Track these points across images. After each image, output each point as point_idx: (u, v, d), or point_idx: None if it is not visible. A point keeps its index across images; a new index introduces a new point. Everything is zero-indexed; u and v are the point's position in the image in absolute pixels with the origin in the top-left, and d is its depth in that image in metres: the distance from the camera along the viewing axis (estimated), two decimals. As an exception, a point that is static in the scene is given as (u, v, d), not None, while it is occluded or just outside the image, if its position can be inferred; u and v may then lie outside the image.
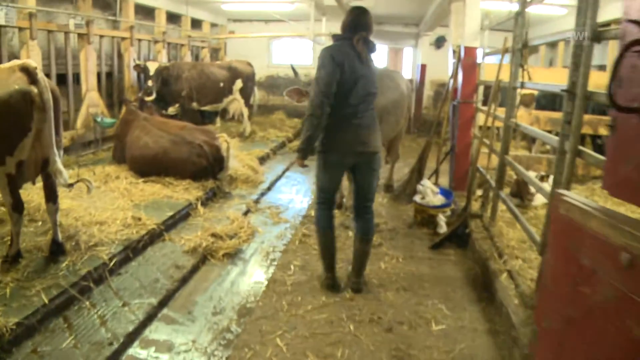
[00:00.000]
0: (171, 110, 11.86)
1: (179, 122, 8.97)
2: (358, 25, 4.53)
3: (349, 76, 4.41)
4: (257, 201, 7.86)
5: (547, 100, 9.64)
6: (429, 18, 13.60)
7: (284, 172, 9.86)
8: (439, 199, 6.88)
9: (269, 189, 8.65)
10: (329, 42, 11.81)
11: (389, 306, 4.68)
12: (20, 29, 8.52)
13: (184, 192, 7.41)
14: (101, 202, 6.79)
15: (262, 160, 10.38)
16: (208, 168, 7.88)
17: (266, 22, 17.72)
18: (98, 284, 4.78)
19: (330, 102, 4.40)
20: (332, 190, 4.88)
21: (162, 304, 4.66)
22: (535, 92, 10.05)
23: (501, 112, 6.26)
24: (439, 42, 17.53)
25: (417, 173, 7.87)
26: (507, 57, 5.93)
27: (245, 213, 7.24)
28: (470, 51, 7.50)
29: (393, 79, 7.43)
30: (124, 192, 7.27)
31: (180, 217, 6.72)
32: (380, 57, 18.79)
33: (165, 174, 7.93)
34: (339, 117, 4.51)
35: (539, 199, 6.99)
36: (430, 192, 6.89)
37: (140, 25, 12.62)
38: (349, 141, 4.56)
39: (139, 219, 6.20)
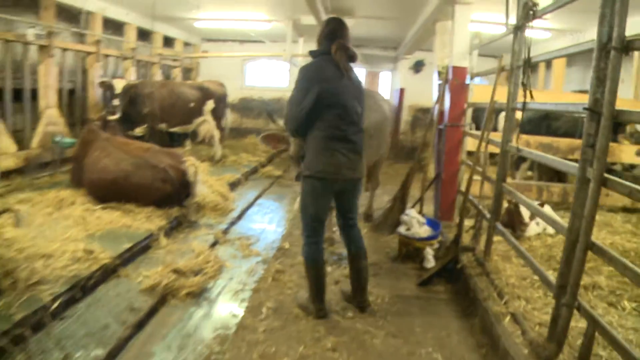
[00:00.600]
0: (138, 131, 11.11)
1: (143, 143, 8.27)
2: (335, 34, 4.31)
3: (331, 95, 4.18)
4: (226, 231, 7.18)
5: (532, 125, 9.15)
6: (409, 40, 13.18)
7: (256, 199, 9.18)
8: (425, 230, 6.30)
9: (239, 217, 7.97)
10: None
11: (377, 357, 4.04)
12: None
13: (145, 220, 6.72)
14: (51, 232, 6.05)
15: (233, 186, 9.70)
16: (173, 194, 7.20)
17: (241, 42, 17.21)
18: (36, 332, 4.04)
19: (304, 126, 4.27)
20: (322, 218, 4.59)
21: (112, 355, 3.94)
22: (519, 117, 9.64)
23: (495, 136, 5.74)
24: (418, 66, 17.18)
25: (400, 201, 7.29)
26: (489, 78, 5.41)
27: (213, 245, 6.56)
28: (459, 71, 6.99)
29: (375, 99, 6.90)
30: (78, 220, 6.54)
31: (140, 249, 6.02)
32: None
33: (126, 200, 7.23)
34: (328, 140, 4.26)
35: (533, 229, 6.46)
36: (416, 223, 6.31)
37: (108, 40, 11.99)
38: (338, 166, 4.30)
39: (91, 252, 5.47)
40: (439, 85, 7.78)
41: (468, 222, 6.32)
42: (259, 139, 5.33)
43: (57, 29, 9.57)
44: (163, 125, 11.49)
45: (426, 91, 17.02)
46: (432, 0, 8.38)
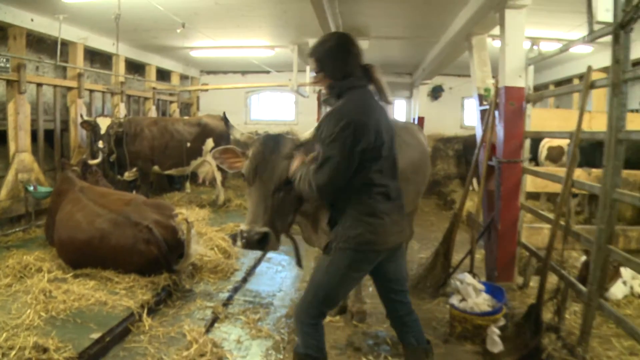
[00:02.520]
0: (127, 175, 9.82)
1: (125, 194, 6.89)
2: (362, 56, 3.28)
3: (379, 143, 3.15)
4: (228, 301, 5.70)
5: (584, 156, 7.72)
6: (429, 64, 11.83)
7: (265, 254, 7.63)
8: (485, 300, 4.82)
9: (244, 280, 6.47)
10: (313, 95, 9.43)
11: None
12: None
13: (125, 294, 5.31)
14: (3, 312, 4.82)
15: (237, 237, 8.19)
16: (160, 258, 5.77)
17: (243, 73, 16.01)
18: None
19: (336, 189, 3.16)
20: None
21: None
22: (565, 146, 8.31)
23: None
24: (436, 93, 15.92)
25: (444, 258, 5.85)
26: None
27: (212, 323, 5.10)
28: (514, 93, 5.58)
29: (412, 134, 5.55)
30: (40, 296, 5.15)
31: (115, 337, 4.58)
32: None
33: (103, 265, 5.85)
34: (369, 199, 3.18)
35: (619, 290, 5.05)
36: (472, 291, 4.85)
37: (96, 73, 10.73)
38: (385, 233, 3.20)
39: (45, 351, 4.06)
40: (482, 111, 6.41)
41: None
42: (212, 154, 4.09)
43: (26, 60, 8.26)
44: (156, 168, 10.16)
45: (446, 119, 15.87)
46: (465, 11, 7.03)
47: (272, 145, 3.63)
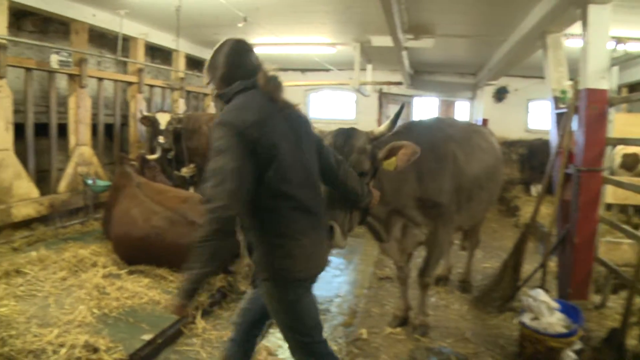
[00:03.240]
0: (185, 171, 9.70)
1: (181, 192, 6.77)
2: (256, 58, 2.87)
3: (273, 150, 2.66)
4: (284, 306, 5.50)
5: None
6: (496, 64, 11.32)
7: (323, 256, 7.44)
8: (560, 320, 4.43)
9: (301, 282, 6.26)
10: (374, 94, 9.03)
11: None
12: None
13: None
14: (57, 307, 4.79)
15: (294, 238, 8.02)
16: (216, 259, 5.61)
17: (303, 71, 15.76)
18: None
19: (241, 205, 2.61)
20: (317, 323, 3.03)
21: None
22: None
23: None
24: (500, 94, 15.30)
25: (513, 270, 5.47)
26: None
27: (267, 329, 4.85)
28: (596, 96, 5.14)
29: (485, 138, 5.25)
30: (94, 292, 5.13)
31: (166, 340, 4.47)
32: (429, 111, 16.68)
33: (157, 262, 5.76)
34: (279, 216, 2.74)
35: None
36: (545, 310, 4.45)
37: (157, 69, 10.72)
38: (307, 255, 2.78)
39: (95, 351, 3.97)
40: (558, 115, 5.99)
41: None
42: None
43: (88, 54, 8.30)
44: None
45: (510, 122, 15.24)
46: (540, 6, 6.59)
47: (343, 138, 3.52)
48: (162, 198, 6.23)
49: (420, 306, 4.84)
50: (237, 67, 2.82)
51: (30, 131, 7.41)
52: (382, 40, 9.60)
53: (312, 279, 2.93)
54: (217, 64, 2.84)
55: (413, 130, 4.69)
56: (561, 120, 5.71)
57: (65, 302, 4.90)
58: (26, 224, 7.26)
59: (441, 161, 4.50)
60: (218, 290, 5.43)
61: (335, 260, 7.27)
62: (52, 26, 8.84)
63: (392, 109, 15.62)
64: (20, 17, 8.30)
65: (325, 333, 4.74)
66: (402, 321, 4.93)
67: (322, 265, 2.95)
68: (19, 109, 7.43)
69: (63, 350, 3.92)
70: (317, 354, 3.00)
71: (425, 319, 4.81)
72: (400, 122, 3.97)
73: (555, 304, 4.52)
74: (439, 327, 4.94)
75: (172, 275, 5.59)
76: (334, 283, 6.39)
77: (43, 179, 7.84)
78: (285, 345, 4.52)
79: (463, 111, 17.01)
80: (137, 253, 5.86)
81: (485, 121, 14.47)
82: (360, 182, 3.28)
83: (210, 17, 8.70)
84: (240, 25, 7.90)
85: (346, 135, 3.56)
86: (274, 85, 2.80)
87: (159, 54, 11.69)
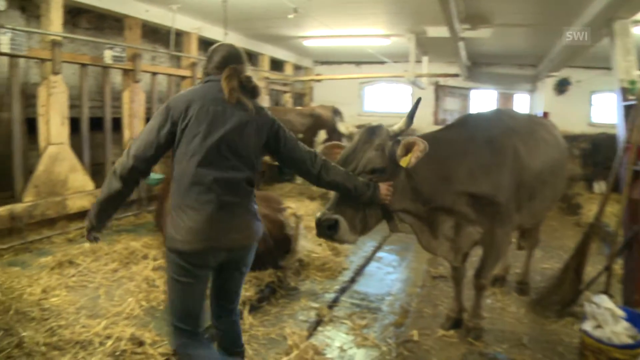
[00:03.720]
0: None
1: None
2: (229, 59, 3.10)
3: (194, 124, 2.92)
4: (334, 303, 5.37)
5: None
6: (557, 54, 10.87)
7: (374, 252, 7.27)
8: (625, 330, 4.13)
9: (352, 280, 6.11)
10: (430, 87, 9.00)
11: None
12: (43, 60, 6.68)
13: (228, 289, 5.11)
14: (106, 298, 4.87)
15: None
16: (265, 254, 5.52)
17: (357, 64, 15.60)
18: None
19: (142, 168, 2.97)
20: (191, 314, 3.07)
21: None
22: None
23: None
24: (562, 86, 14.67)
25: (575, 273, 5.17)
26: None
27: (315, 327, 4.79)
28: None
29: (549, 131, 4.98)
30: (143, 284, 5.18)
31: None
32: (487, 104, 16.22)
33: (208, 257, 5.69)
34: (186, 192, 2.94)
35: None
36: (610, 317, 4.17)
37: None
38: (205, 230, 2.90)
39: (140, 344, 3.97)
40: (626, 107, 5.63)
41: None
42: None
43: (141, 50, 8.39)
44: (267, 158, 10.00)
45: (572, 115, 14.60)
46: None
47: (367, 135, 3.71)
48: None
49: (474, 308, 4.59)
50: (209, 62, 3.15)
51: (85, 125, 7.52)
52: (438, 31, 9.34)
53: (199, 256, 2.95)
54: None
55: (468, 124, 4.49)
56: (629, 113, 5.35)
57: (114, 294, 4.94)
58: (81, 215, 7.35)
59: (499, 155, 4.25)
60: (267, 285, 5.35)
61: (387, 257, 7.11)
62: (107, 23, 8.97)
63: (449, 102, 15.32)
64: (75, 15, 8.45)
65: (375, 333, 4.65)
66: (456, 323, 4.71)
67: (212, 243, 2.94)
68: (75, 103, 7.57)
69: (109, 342, 3.94)
70: (184, 343, 3.08)
71: (479, 322, 4.57)
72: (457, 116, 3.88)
73: (620, 312, 4.22)
74: (494, 331, 4.69)
75: (223, 270, 5.54)
76: (387, 280, 6.20)
77: (98, 172, 7.96)
78: (333, 344, 4.45)
79: (522, 104, 16.48)
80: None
81: (545, 114, 13.93)
82: (351, 177, 3.37)
83: (261, 9, 8.65)
84: (290, 17, 7.79)
85: (370, 132, 3.70)
86: (229, 81, 2.97)
87: (209, 46, 11.71)
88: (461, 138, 4.25)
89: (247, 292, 5.04)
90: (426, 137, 4.03)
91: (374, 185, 3.44)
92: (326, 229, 3.53)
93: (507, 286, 5.83)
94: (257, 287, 5.23)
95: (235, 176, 2.98)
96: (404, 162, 3.60)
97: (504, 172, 4.22)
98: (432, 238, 4.24)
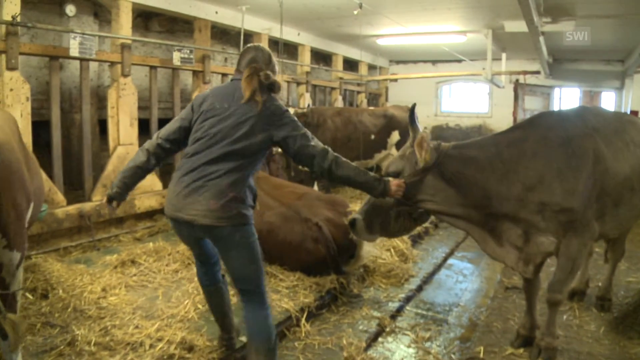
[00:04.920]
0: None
1: (299, 187, 6.59)
2: (254, 60, 3.49)
3: (202, 118, 3.44)
4: (397, 313, 5.11)
5: None
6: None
7: (445, 259, 6.93)
8: None
9: (419, 288, 5.80)
10: (509, 85, 8.75)
11: None
12: (113, 63, 6.79)
13: (287, 293, 5.02)
14: (164, 299, 4.83)
15: (417, 238, 7.57)
16: (328, 259, 5.35)
17: (433, 62, 15.24)
18: None
19: (166, 146, 3.56)
20: (195, 254, 3.84)
21: None
22: None
23: None
24: (654, 83, 13.75)
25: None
26: None
27: (375, 337, 4.56)
28: None
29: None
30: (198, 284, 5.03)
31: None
32: (570, 103, 15.38)
33: (269, 259, 5.57)
34: (178, 170, 3.46)
35: None
36: None
37: (283, 64, 10.70)
38: (170, 198, 3.43)
39: (191, 349, 3.88)
40: None
41: None
42: None
43: (210, 51, 8.42)
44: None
45: (668, 114, 13.70)
46: None
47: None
48: (278, 193, 6.10)
49: (548, 326, 4.13)
50: (239, 63, 3.55)
51: (154, 127, 7.57)
52: (517, 26, 8.84)
53: (172, 222, 3.48)
54: None
55: (540, 123, 4.11)
56: None
57: (172, 295, 4.89)
58: (149, 215, 7.47)
59: (576, 158, 3.86)
60: (328, 291, 5.15)
61: (459, 264, 6.76)
62: (178, 25, 9.09)
63: (530, 102, 14.63)
64: (147, 19, 8.58)
65: (439, 347, 4.37)
66: (527, 341, 4.29)
67: (175, 212, 3.34)
68: (146, 105, 7.67)
69: (159, 345, 3.87)
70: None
71: (553, 341, 4.14)
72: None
73: None
74: (569, 351, 4.27)
75: (283, 274, 5.39)
76: (456, 290, 5.87)
77: (167, 173, 7.98)
78: (393, 357, 4.20)
79: (609, 103, 15.56)
80: (249, 249, 5.75)
81: (635, 113, 13.10)
82: (362, 172, 3.53)
83: (332, 8, 8.49)
84: (355, 12, 7.53)
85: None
86: (250, 80, 3.33)
87: (285, 48, 11.68)
88: (530, 139, 3.93)
89: (306, 298, 4.88)
90: (485, 139, 4.06)
91: (385, 181, 3.58)
92: (349, 227, 4.04)
93: (586, 301, 5.32)
94: (317, 294, 5.05)
95: (222, 166, 3.26)
96: (422, 161, 3.78)
97: (581, 177, 3.83)
98: (498, 246, 3.96)
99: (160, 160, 3.56)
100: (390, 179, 3.65)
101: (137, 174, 3.55)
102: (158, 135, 3.54)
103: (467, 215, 3.88)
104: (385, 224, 3.97)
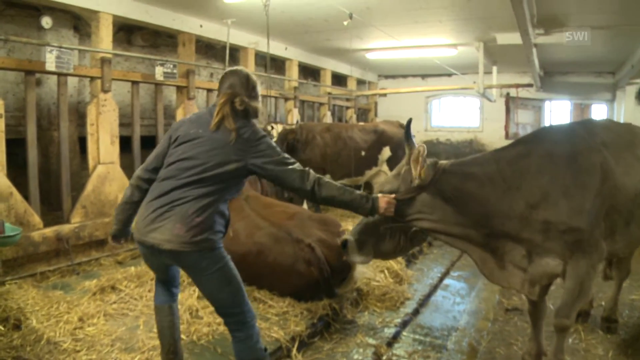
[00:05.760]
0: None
1: (290, 206, 6.31)
2: (229, 86, 3.45)
3: (176, 143, 3.41)
4: (394, 340, 4.80)
5: None
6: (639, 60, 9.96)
7: (441, 279, 6.64)
8: None
9: (415, 312, 5.49)
10: (501, 99, 8.69)
11: None
12: (92, 78, 6.52)
13: (277, 321, 4.73)
14: (145, 329, 4.58)
15: (412, 258, 7.29)
16: (321, 282, 5.07)
17: (423, 77, 15.10)
18: None
19: (146, 176, 3.46)
20: (158, 278, 3.73)
21: None
22: None
23: None
24: (644, 95, 13.63)
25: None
26: None
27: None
28: None
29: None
30: (185, 314, 4.77)
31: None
32: (561, 116, 15.26)
33: (259, 283, 5.34)
34: (149, 194, 3.39)
35: None
36: None
37: (271, 79, 10.47)
38: (139, 224, 3.33)
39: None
40: None
41: None
42: None
43: (194, 65, 8.18)
44: (328, 177, 9.54)
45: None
46: None
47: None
48: (268, 212, 5.82)
49: (556, 353, 3.85)
50: (219, 88, 3.50)
51: (137, 144, 7.31)
52: (509, 38, 8.70)
53: (139, 244, 3.35)
54: None
55: (544, 138, 3.88)
56: None
57: (154, 324, 4.49)
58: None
59: (582, 175, 3.62)
60: (320, 318, 4.85)
61: (455, 284, 6.49)
62: (162, 39, 8.85)
63: (522, 115, 14.52)
64: (130, 32, 8.33)
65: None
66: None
67: (140, 236, 3.26)
68: (128, 122, 7.41)
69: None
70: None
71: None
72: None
73: None
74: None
75: (272, 300, 5.10)
76: (454, 312, 5.59)
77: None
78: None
79: (600, 115, 15.47)
80: (239, 270, 5.44)
81: (627, 127, 12.95)
82: (346, 190, 3.39)
83: (320, 20, 8.27)
84: (345, 23, 7.31)
85: None
86: (221, 107, 3.31)
87: (273, 63, 11.47)
88: (534, 154, 3.70)
89: (297, 326, 4.61)
90: (485, 155, 3.87)
91: (373, 198, 3.45)
92: (341, 248, 3.81)
93: (591, 322, 5.04)
94: (309, 320, 4.77)
95: (191, 192, 3.19)
96: (417, 178, 3.57)
97: (587, 194, 3.59)
98: (498, 268, 3.72)
99: (144, 192, 3.43)
100: (380, 195, 3.52)
101: (125, 209, 3.52)
102: (140, 168, 3.52)
103: (466, 235, 3.67)
104: (379, 244, 3.78)
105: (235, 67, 3.61)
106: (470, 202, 3.60)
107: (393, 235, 3.78)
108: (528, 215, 3.58)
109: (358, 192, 3.46)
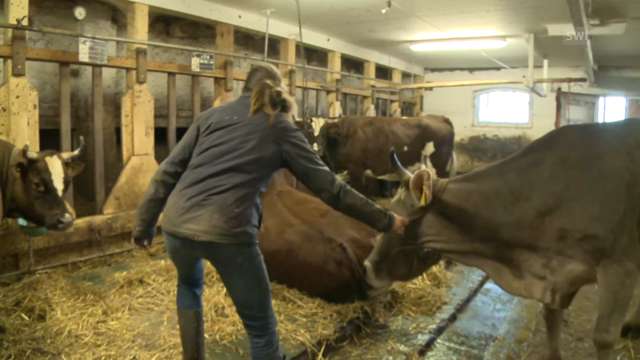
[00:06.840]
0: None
1: (323, 203, 6.09)
2: (263, 78, 3.40)
3: (208, 131, 3.28)
4: (427, 347, 4.55)
5: None
6: None
7: (482, 283, 6.28)
8: None
9: (452, 317, 5.20)
10: (552, 94, 8.26)
11: None
12: (127, 69, 6.46)
13: (304, 323, 4.54)
14: (168, 326, 4.49)
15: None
16: (352, 283, 4.86)
17: (471, 70, 14.64)
18: None
19: (172, 170, 3.34)
20: (182, 276, 3.55)
21: None
22: None
23: None
24: None
25: None
26: None
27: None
28: None
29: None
30: (211, 312, 4.66)
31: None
32: (615, 113, 14.61)
33: (288, 282, 5.18)
34: (180, 183, 3.25)
35: None
36: None
37: (313, 71, 10.29)
38: (171, 215, 3.15)
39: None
40: None
41: None
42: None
43: (232, 56, 8.05)
44: (368, 172, 9.32)
45: None
46: None
47: None
48: (300, 209, 5.64)
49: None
50: (248, 81, 3.49)
51: (172, 136, 7.23)
52: (561, 29, 8.22)
53: (167, 236, 3.19)
54: None
55: (558, 142, 3.64)
56: None
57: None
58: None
59: (599, 180, 3.40)
60: (350, 322, 4.63)
61: (497, 289, 6.06)
62: (201, 30, 8.77)
63: (573, 112, 13.91)
64: (168, 24, 8.26)
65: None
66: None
67: (172, 227, 3.10)
68: (164, 113, 7.37)
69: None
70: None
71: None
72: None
73: None
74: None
75: (302, 300, 4.92)
76: (494, 319, 5.26)
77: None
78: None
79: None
80: (269, 268, 5.27)
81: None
82: (368, 203, 3.39)
83: (361, 10, 8.02)
84: (383, 11, 6.99)
85: None
86: (259, 96, 3.24)
87: (315, 55, 11.27)
88: (546, 161, 3.52)
89: (325, 329, 4.41)
90: (489, 168, 3.83)
91: (391, 215, 3.48)
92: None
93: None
94: (338, 324, 4.56)
95: (228, 180, 3.08)
96: (422, 201, 3.60)
97: (608, 200, 3.38)
98: (516, 278, 3.60)
99: (170, 188, 3.31)
100: (396, 216, 3.54)
101: (150, 207, 3.37)
102: (165, 162, 3.40)
103: (476, 249, 3.64)
104: (393, 268, 3.92)
105: (262, 64, 3.60)
106: (475, 219, 3.58)
107: (406, 258, 3.88)
108: (541, 224, 3.44)
109: (377, 206, 3.46)
